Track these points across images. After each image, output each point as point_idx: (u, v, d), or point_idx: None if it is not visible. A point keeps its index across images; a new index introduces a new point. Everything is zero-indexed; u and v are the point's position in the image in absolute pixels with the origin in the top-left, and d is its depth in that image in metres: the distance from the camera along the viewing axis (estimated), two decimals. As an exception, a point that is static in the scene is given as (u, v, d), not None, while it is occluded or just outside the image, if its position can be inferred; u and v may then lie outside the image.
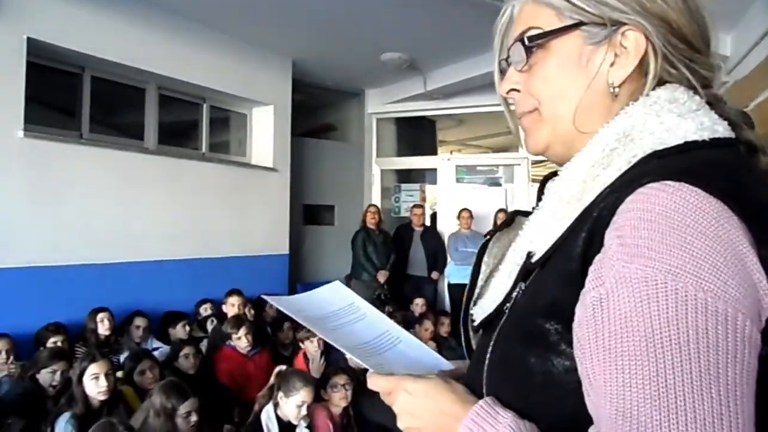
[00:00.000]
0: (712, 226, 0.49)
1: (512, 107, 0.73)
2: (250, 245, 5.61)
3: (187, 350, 3.58)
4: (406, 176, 7.91)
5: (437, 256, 6.48)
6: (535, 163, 7.30)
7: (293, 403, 2.77)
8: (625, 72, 0.62)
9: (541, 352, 0.57)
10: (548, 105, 0.67)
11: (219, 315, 4.67)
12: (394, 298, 5.94)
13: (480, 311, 0.75)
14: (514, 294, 0.69)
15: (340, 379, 3.16)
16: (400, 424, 0.67)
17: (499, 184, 7.93)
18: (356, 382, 3.27)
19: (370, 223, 6.20)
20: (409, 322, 4.86)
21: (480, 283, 0.80)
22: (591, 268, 0.54)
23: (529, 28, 0.66)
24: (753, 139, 0.62)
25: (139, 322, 4.18)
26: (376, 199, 7.44)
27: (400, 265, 6.36)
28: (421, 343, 0.88)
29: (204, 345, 4.18)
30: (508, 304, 0.69)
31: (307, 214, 6.89)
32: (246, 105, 5.96)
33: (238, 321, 3.93)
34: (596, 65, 0.63)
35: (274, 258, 5.85)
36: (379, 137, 7.63)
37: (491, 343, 0.67)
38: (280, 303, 0.81)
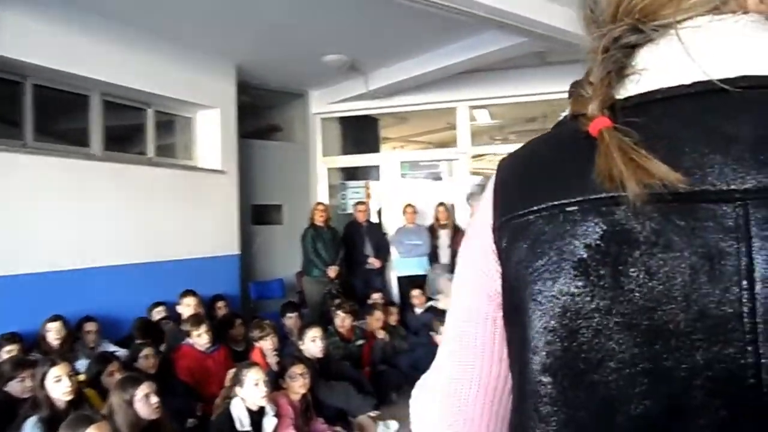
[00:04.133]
0: (482, 205, 0.56)
1: None
2: (201, 247, 5.67)
3: (146, 351, 3.68)
4: (352, 174, 8.10)
5: (379, 249, 6.74)
6: (474, 156, 7.65)
7: (250, 385, 2.97)
8: None
9: None
10: None
11: (173, 316, 4.75)
12: (346, 292, 6.13)
13: None
14: None
15: (298, 369, 3.36)
16: None
17: (441, 179, 8.22)
18: (312, 370, 3.47)
19: (318, 220, 6.36)
20: (359, 314, 5.10)
21: None
22: None
23: None
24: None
25: (90, 327, 4.25)
26: (323, 197, 7.60)
27: (350, 261, 6.57)
28: None
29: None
30: None
31: (256, 214, 6.97)
32: (191, 109, 6.01)
33: (198, 319, 4.06)
34: None
35: (226, 258, 5.94)
36: (324, 136, 7.78)
37: None
38: None
